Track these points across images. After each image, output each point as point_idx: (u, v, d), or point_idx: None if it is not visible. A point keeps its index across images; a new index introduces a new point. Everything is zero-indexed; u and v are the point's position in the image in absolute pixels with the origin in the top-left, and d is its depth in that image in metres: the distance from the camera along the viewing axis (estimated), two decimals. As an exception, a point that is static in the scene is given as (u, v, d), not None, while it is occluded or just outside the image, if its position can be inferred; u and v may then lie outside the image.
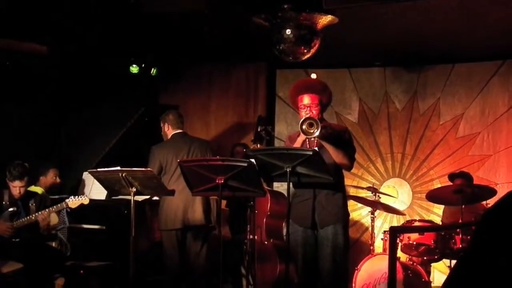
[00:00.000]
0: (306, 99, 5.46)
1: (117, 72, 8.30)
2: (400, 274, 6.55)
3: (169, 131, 6.97)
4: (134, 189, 5.86)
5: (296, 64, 7.57)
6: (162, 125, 7.06)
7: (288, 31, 6.35)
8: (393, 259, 3.36)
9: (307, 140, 5.41)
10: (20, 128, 8.08)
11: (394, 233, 3.42)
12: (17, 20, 6.96)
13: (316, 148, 5.24)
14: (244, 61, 9.31)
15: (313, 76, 6.04)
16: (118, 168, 5.98)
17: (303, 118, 5.24)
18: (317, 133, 5.12)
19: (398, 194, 8.89)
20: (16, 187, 6.66)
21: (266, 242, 7.44)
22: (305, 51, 6.53)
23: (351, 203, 8.82)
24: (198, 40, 7.81)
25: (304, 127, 5.16)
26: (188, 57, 8.90)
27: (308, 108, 5.42)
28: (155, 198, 7.03)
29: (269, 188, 7.50)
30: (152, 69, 8.53)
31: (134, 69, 8.35)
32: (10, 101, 8.01)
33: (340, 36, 7.35)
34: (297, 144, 5.43)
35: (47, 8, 6.65)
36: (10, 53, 7.57)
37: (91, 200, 6.86)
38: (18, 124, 8.07)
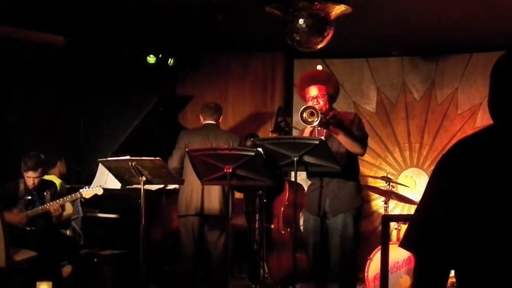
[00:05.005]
0: (312, 91, 5.49)
1: (134, 63, 8.33)
2: (412, 264, 6.53)
3: (202, 120, 7.03)
4: (144, 178, 5.91)
5: (313, 54, 7.52)
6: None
7: (301, 21, 6.33)
8: (385, 248, 3.38)
9: (315, 130, 5.43)
10: (38, 119, 8.14)
11: (386, 221, 3.43)
12: (34, 10, 7.02)
13: (323, 137, 5.26)
14: (261, 51, 9.28)
15: (319, 67, 6.05)
16: (128, 157, 6.02)
17: (304, 107, 5.25)
18: (317, 122, 5.12)
19: (416, 184, 8.82)
20: (30, 178, 6.68)
21: (283, 232, 7.45)
22: (319, 40, 6.51)
23: (368, 193, 8.81)
24: (214, 30, 7.81)
25: (304, 115, 5.17)
26: (205, 47, 8.91)
27: (315, 99, 5.44)
28: (170, 187, 7.08)
29: (288, 179, 7.51)
30: (170, 59, 8.55)
31: (151, 59, 8.36)
32: (28, 91, 8.08)
33: (357, 25, 7.32)
34: (305, 134, 5.46)
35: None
36: (27, 43, 7.62)
37: (106, 190, 6.91)
38: (36, 115, 8.13)
